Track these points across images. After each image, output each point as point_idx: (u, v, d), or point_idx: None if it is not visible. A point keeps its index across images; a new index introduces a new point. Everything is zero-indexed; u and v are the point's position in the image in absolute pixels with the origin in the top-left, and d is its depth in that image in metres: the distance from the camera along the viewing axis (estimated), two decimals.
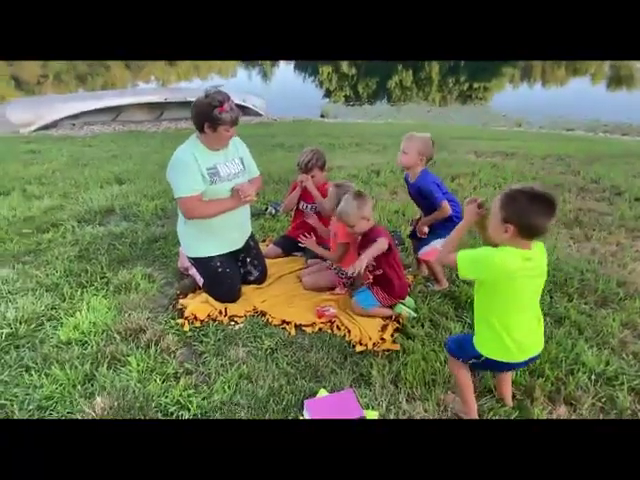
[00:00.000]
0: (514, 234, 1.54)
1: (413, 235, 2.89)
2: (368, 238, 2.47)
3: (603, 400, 1.96)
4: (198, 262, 2.68)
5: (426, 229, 2.70)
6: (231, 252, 2.73)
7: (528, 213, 1.51)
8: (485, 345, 1.70)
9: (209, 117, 2.35)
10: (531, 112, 11.50)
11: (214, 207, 2.52)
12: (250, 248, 2.83)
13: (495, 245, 1.63)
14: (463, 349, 1.80)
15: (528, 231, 1.54)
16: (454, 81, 18.04)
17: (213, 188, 2.50)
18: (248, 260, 2.81)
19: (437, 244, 2.61)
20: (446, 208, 2.60)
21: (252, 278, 2.83)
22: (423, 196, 2.66)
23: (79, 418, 1.85)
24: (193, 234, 2.63)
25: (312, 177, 3.01)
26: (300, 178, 3.02)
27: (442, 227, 2.61)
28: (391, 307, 2.53)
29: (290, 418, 1.86)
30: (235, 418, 1.85)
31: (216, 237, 2.63)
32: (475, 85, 17.00)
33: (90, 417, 1.85)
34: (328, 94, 16.04)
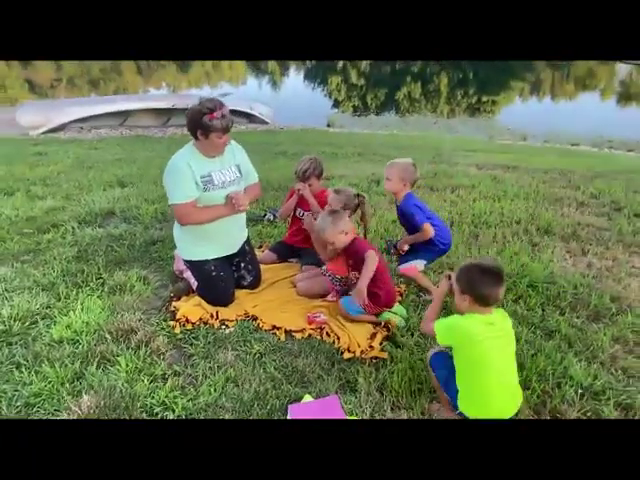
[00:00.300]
0: (471, 303, 1.76)
1: (387, 252, 3.03)
2: (356, 256, 2.50)
3: (588, 414, 1.96)
4: (192, 265, 2.71)
5: (406, 247, 2.83)
6: (225, 256, 2.75)
7: (479, 284, 1.73)
8: (462, 402, 1.80)
9: (200, 124, 2.39)
10: (538, 126, 11.52)
11: (207, 214, 2.55)
12: (245, 253, 2.85)
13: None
14: (447, 386, 1.85)
15: (482, 300, 1.74)
16: (462, 94, 18.10)
17: (207, 195, 2.52)
18: (242, 265, 2.83)
19: (416, 263, 2.79)
20: (427, 231, 2.69)
21: (245, 283, 2.85)
22: (406, 218, 2.78)
23: (62, 418, 1.86)
24: (188, 238, 2.67)
25: (309, 185, 3.04)
26: (297, 186, 3.05)
27: (424, 249, 2.77)
28: (377, 315, 2.54)
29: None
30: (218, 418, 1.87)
31: (211, 241, 2.66)
32: (484, 98, 17.05)
33: (76, 415, 1.87)
34: (337, 104, 16.14)
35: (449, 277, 1.93)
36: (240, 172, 2.69)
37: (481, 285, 1.73)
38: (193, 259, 2.68)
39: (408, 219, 2.75)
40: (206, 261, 2.66)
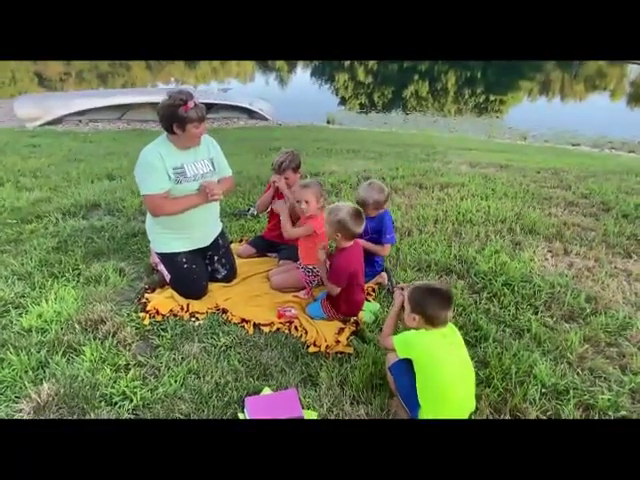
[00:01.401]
0: (420, 322, 1.83)
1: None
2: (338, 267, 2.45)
3: (549, 413, 1.94)
4: (164, 257, 2.71)
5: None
6: (198, 249, 2.75)
7: (428, 306, 1.80)
8: (423, 415, 1.80)
9: (176, 117, 2.38)
10: (543, 126, 11.42)
11: (180, 204, 2.54)
12: (219, 247, 2.85)
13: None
14: (408, 398, 1.84)
15: (429, 321, 1.81)
16: (470, 93, 17.98)
17: (179, 187, 2.52)
18: (216, 259, 2.83)
19: None
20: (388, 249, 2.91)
21: (220, 276, 2.85)
22: (378, 228, 2.86)
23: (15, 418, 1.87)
24: (160, 230, 2.67)
25: (286, 179, 3.03)
26: (273, 178, 3.04)
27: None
28: (344, 320, 2.51)
29: (226, 418, 1.87)
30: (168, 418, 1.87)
31: (182, 234, 2.66)
32: (492, 97, 16.92)
33: (35, 402, 1.88)
34: (343, 102, 16.09)
35: (402, 289, 2.01)
36: (213, 166, 2.69)
37: (429, 306, 1.80)
38: (165, 251, 2.68)
39: (380, 230, 2.81)
40: (178, 254, 2.66)
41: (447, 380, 1.74)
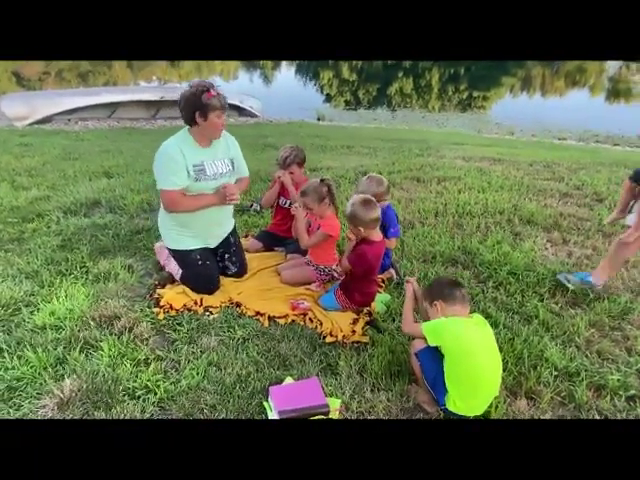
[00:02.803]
0: (443, 308, 1.91)
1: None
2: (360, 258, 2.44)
3: (562, 394, 2.01)
4: (177, 254, 2.72)
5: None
6: (210, 248, 2.78)
7: (441, 287, 1.96)
8: (451, 401, 1.83)
9: (198, 104, 2.35)
10: (527, 121, 11.61)
11: (196, 202, 2.53)
12: (230, 244, 2.86)
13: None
14: (435, 384, 1.87)
15: (450, 299, 1.90)
16: (454, 89, 18.16)
17: (198, 185, 2.51)
18: (226, 256, 2.85)
19: None
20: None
21: (230, 273, 2.87)
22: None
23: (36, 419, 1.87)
24: (173, 227, 2.67)
25: (291, 173, 3.05)
26: (278, 173, 3.06)
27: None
28: (357, 311, 2.55)
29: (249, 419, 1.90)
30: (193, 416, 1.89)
31: (195, 232, 2.67)
32: (475, 94, 17.12)
33: (58, 398, 1.88)
34: (329, 99, 16.11)
35: (408, 281, 2.18)
36: (233, 166, 2.68)
37: (442, 287, 1.95)
38: (178, 248, 2.69)
39: (383, 224, 2.76)
40: (191, 251, 2.67)
41: (477, 367, 1.78)
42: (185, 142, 2.49)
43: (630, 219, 2.67)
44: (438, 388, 1.84)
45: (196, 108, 2.37)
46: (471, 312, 2.02)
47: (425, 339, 1.87)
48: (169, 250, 2.76)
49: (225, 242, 2.84)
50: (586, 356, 2.25)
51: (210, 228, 2.71)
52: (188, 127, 2.51)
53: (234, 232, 2.93)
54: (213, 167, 2.55)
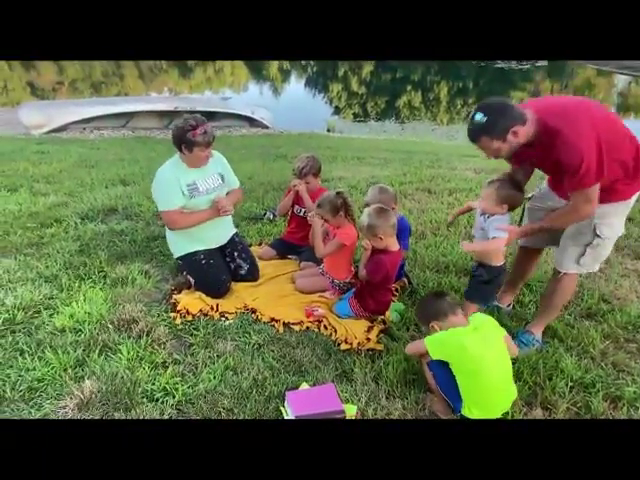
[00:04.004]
0: (440, 326, 1.92)
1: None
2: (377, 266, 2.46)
3: (578, 405, 2.01)
4: (184, 260, 2.84)
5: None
6: (216, 248, 2.90)
7: (427, 308, 2.00)
8: (467, 409, 1.86)
9: (184, 140, 2.56)
10: None
11: (194, 218, 2.74)
12: (235, 243, 3.00)
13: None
14: (449, 392, 1.88)
15: (440, 315, 1.93)
16: (462, 103, 18.23)
17: (193, 202, 2.71)
18: (235, 254, 2.95)
19: None
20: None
21: (243, 272, 2.93)
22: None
23: (53, 418, 1.90)
24: (177, 236, 2.83)
25: (307, 183, 3.10)
26: (293, 182, 3.11)
27: None
28: (370, 319, 2.57)
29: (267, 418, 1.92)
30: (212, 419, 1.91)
31: (198, 235, 2.80)
32: None
33: (78, 399, 1.91)
34: (337, 111, 16.24)
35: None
36: (222, 179, 2.86)
37: (428, 308, 1.99)
38: (183, 254, 2.82)
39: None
40: (195, 252, 2.80)
41: (487, 374, 1.79)
42: (177, 166, 2.71)
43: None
44: (453, 396, 1.86)
45: (182, 142, 2.58)
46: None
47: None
48: (177, 259, 2.90)
49: (230, 241, 2.99)
50: (601, 367, 2.25)
51: (211, 232, 2.85)
52: (179, 152, 2.71)
53: (237, 233, 3.10)
54: (205, 184, 2.75)
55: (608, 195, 1.98)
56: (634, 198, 2.09)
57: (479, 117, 1.87)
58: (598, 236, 2.09)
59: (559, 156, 1.83)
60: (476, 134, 1.93)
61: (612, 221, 2.09)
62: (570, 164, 1.81)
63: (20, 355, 2.18)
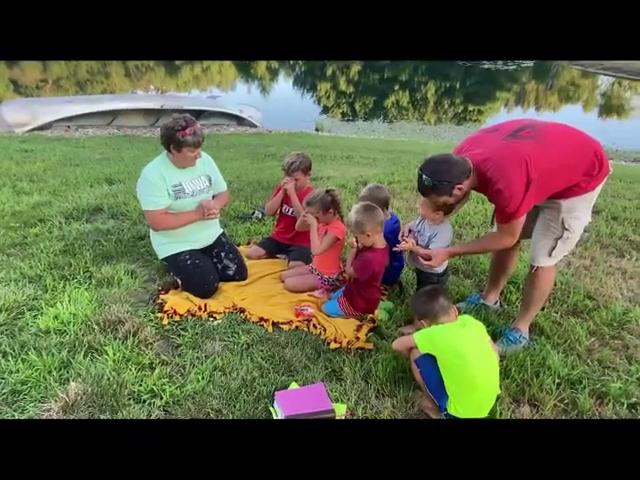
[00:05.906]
0: (428, 321, 1.95)
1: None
2: (365, 264, 2.47)
3: (565, 402, 2.03)
4: (169, 262, 2.81)
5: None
6: (202, 249, 2.88)
7: (420, 305, 1.99)
8: (452, 406, 1.86)
9: (173, 139, 2.54)
10: None
11: (178, 220, 2.71)
12: (223, 243, 2.97)
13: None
14: (436, 391, 1.89)
15: (431, 316, 1.94)
16: (449, 103, 18.35)
17: (178, 203, 2.68)
18: (223, 255, 2.92)
19: None
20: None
21: (231, 272, 2.91)
22: None
23: (42, 419, 1.86)
24: (161, 237, 2.80)
25: (296, 180, 3.08)
26: (284, 181, 3.09)
27: None
28: (360, 318, 2.57)
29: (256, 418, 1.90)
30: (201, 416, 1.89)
31: (183, 237, 2.78)
32: (470, 107, 17.32)
33: (63, 402, 1.88)
34: (325, 110, 16.24)
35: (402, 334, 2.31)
36: (210, 182, 2.83)
37: (420, 306, 1.99)
38: (167, 255, 2.79)
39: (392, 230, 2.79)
40: (179, 253, 2.77)
41: (470, 370, 1.80)
42: (164, 165, 2.67)
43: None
44: (439, 394, 1.86)
45: (171, 141, 2.55)
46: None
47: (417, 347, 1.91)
48: (163, 263, 2.87)
49: (217, 242, 2.96)
50: (587, 364, 2.27)
51: (193, 232, 2.81)
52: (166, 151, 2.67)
53: (224, 234, 3.07)
54: (191, 185, 2.72)
55: (572, 191, 2.10)
56: (598, 188, 2.18)
57: (426, 180, 2.07)
58: (567, 229, 2.19)
59: (491, 197, 2.09)
60: (425, 192, 2.16)
61: (578, 214, 2.18)
62: (499, 204, 2.05)
63: (3, 357, 2.13)
